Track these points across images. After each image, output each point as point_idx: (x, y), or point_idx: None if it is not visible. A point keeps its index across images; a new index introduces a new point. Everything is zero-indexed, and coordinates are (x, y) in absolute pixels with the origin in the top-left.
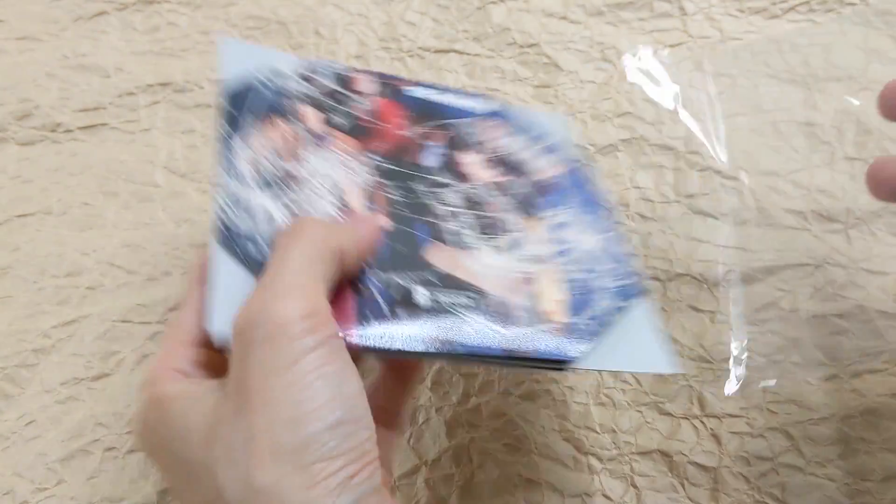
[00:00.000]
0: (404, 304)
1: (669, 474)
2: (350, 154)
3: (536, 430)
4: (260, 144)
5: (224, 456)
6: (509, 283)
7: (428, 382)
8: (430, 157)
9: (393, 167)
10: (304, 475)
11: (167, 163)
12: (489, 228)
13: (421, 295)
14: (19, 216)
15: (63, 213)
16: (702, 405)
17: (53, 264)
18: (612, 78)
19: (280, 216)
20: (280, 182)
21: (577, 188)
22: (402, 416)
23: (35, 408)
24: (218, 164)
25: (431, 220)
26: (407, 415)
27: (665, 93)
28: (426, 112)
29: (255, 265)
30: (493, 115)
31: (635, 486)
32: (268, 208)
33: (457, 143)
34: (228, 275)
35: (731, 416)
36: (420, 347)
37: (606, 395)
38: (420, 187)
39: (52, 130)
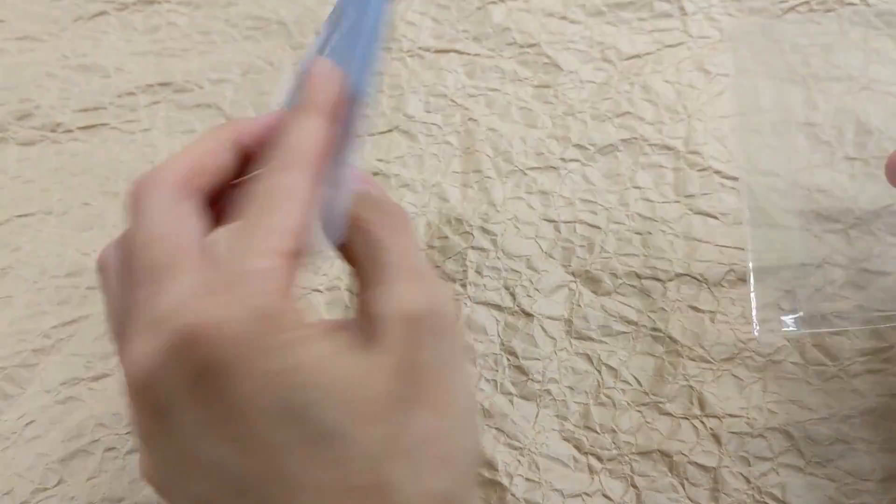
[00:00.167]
0: None
1: (669, 474)
2: None
3: (536, 429)
4: None
5: (391, 446)
6: None
7: None
8: None
9: None
10: (473, 490)
11: None
12: None
13: None
14: (19, 216)
15: (63, 213)
16: (702, 405)
17: (54, 264)
18: (612, 78)
19: None
20: None
21: None
22: None
23: (35, 408)
24: None
25: None
26: None
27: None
28: None
29: None
30: None
31: (635, 486)
32: None
33: None
34: None
35: (731, 416)
36: None
37: (606, 395)
38: None
39: (53, 130)
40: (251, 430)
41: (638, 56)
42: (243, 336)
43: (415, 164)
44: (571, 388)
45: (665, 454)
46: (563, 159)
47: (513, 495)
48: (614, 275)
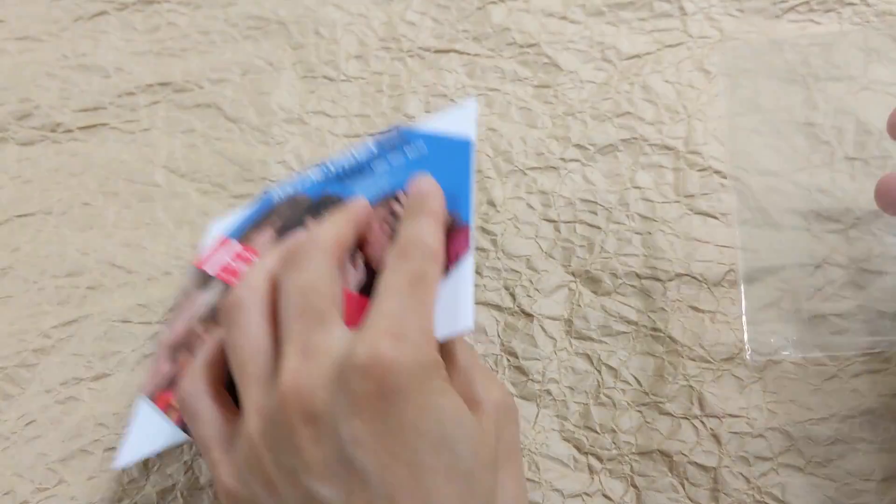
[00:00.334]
0: None
1: (669, 474)
2: None
3: (536, 429)
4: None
5: (492, 497)
6: None
7: None
8: None
9: None
10: None
11: (167, 162)
12: None
13: None
14: (19, 216)
15: (63, 212)
16: (702, 405)
17: (54, 264)
18: (612, 78)
19: None
20: None
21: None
22: None
23: (35, 408)
24: None
25: None
26: None
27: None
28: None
29: None
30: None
31: (635, 486)
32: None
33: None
34: None
35: (731, 415)
36: None
37: (606, 396)
38: None
39: (52, 130)
40: (409, 449)
41: (638, 56)
42: (413, 373)
43: None
44: (571, 389)
45: (665, 454)
46: (562, 159)
47: None
48: (614, 275)
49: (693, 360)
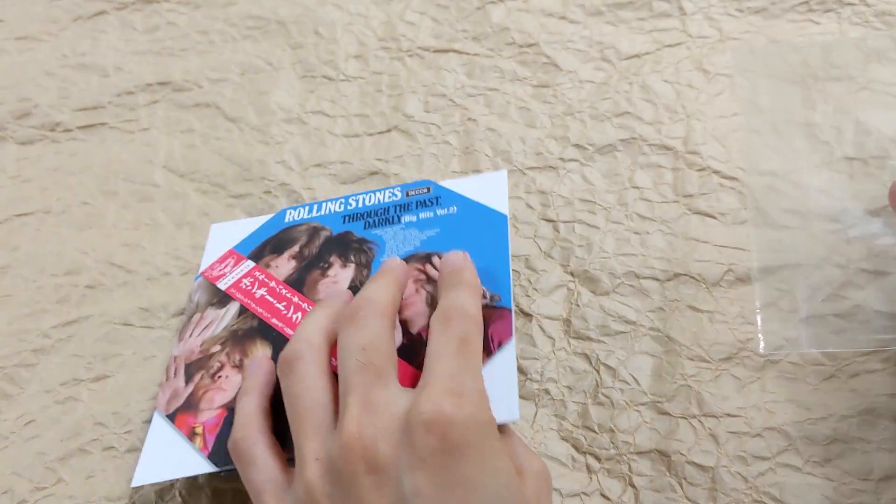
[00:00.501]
0: None
1: (667, 474)
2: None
3: (534, 429)
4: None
5: None
6: None
7: None
8: None
9: None
10: None
11: (166, 162)
12: None
13: None
14: (19, 215)
15: (62, 212)
16: (700, 405)
17: (53, 263)
18: (612, 77)
19: None
20: None
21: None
22: None
23: (35, 408)
24: None
25: None
26: None
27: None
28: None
29: None
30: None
31: (633, 486)
32: None
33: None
34: None
35: (729, 415)
36: None
37: (605, 395)
38: None
39: (52, 130)
40: (466, 503)
41: (637, 56)
42: (473, 430)
43: (414, 164)
44: (570, 388)
45: (663, 454)
46: (561, 159)
47: None
48: (613, 274)
49: (691, 359)
